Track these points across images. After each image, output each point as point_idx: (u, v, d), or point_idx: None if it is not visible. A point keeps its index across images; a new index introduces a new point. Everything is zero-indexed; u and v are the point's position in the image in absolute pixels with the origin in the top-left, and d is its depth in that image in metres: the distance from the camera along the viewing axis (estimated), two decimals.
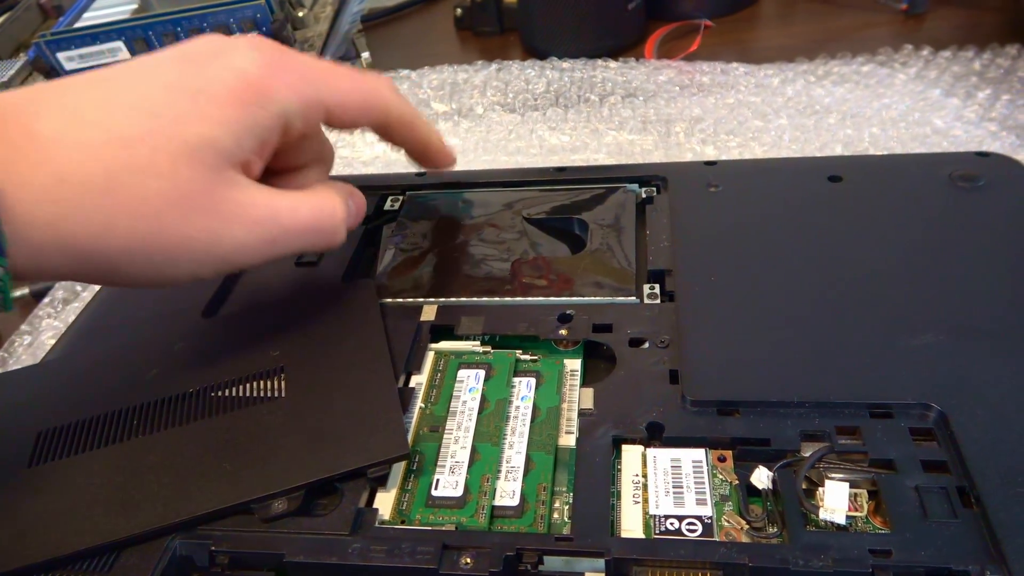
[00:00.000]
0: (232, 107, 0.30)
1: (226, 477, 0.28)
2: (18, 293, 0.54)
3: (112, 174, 0.28)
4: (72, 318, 0.43)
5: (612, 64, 0.58)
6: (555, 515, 0.28)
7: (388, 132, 0.37)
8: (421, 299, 0.37)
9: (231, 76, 0.30)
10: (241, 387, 0.32)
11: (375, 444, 0.29)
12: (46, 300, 0.51)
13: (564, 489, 0.29)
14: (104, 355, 0.37)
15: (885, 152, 0.48)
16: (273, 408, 0.31)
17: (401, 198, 0.45)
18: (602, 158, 0.52)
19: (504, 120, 0.56)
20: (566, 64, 0.58)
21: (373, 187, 0.46)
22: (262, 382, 0.32)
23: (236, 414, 0.31)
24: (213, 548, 0.27)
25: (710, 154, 0.50)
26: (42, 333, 0.47)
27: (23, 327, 0.49)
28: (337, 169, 0.55)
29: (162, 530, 0.27)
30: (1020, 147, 0.48)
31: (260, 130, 0.30)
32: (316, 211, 0.33)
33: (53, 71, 0.62)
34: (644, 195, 0.43)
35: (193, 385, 0.33)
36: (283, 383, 0.32)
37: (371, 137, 0.57)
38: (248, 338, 0.35)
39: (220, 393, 0.32)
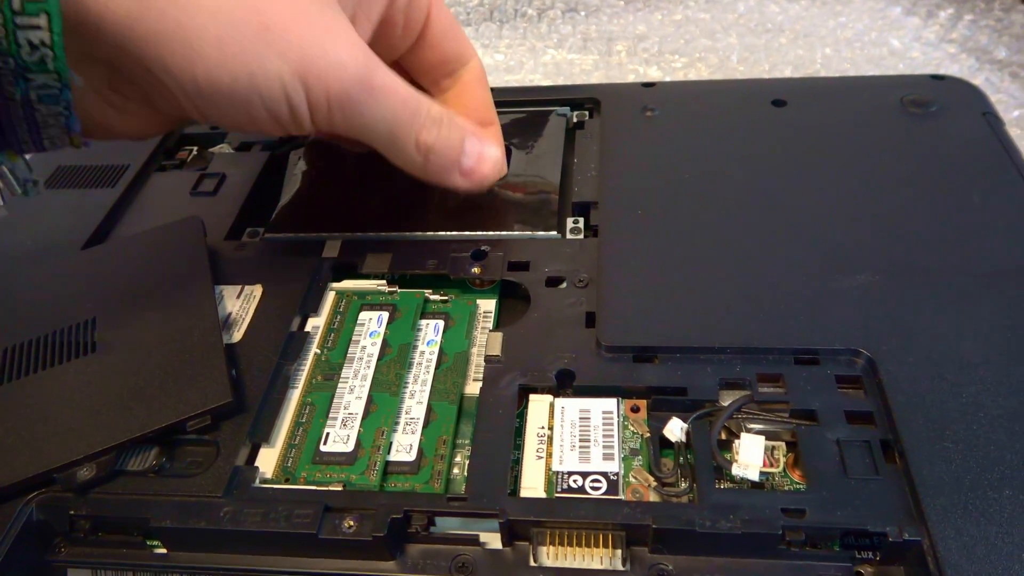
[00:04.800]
0: None
1: (23, 446, 0.25)
2: None
3: None
4: None
5: None
6: (455, 471, 0.25)
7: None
8: (324, 234, 0.34)
9: None
10: (46, 345, 0.29)
11: (193, 395, 0.26)
12: None
13: (467, 442, 0.26)
14: None
15: (837, 75, 0.45)
16: (82, 365, 0.28)
17: None
18: (539, 79, 0.48)
19: None
20: None
21: None
22: (71, 338, 0.29)
23: (39, 376, 0.28)
24: (72, 512, 0.24)
25: (653, 75, 0.46)
26: None
27: None
28: None
29: None
30: (978, 71, 0.45)
31: None
32: (414, 100, 0.28)
33: None
34: (576, 119, 0.39)
35: None
36: (95, 337, 0.29)
37: None
38: (62, 287, 0.32)
39: (21, 354, 0.29)
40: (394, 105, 0.27)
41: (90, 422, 0.26)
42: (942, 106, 0.36)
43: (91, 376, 0.27)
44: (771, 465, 0.24)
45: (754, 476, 0.23)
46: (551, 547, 0.23)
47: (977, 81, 0.40)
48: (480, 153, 0.30)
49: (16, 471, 0.25)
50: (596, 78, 0.47)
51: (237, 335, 0.29)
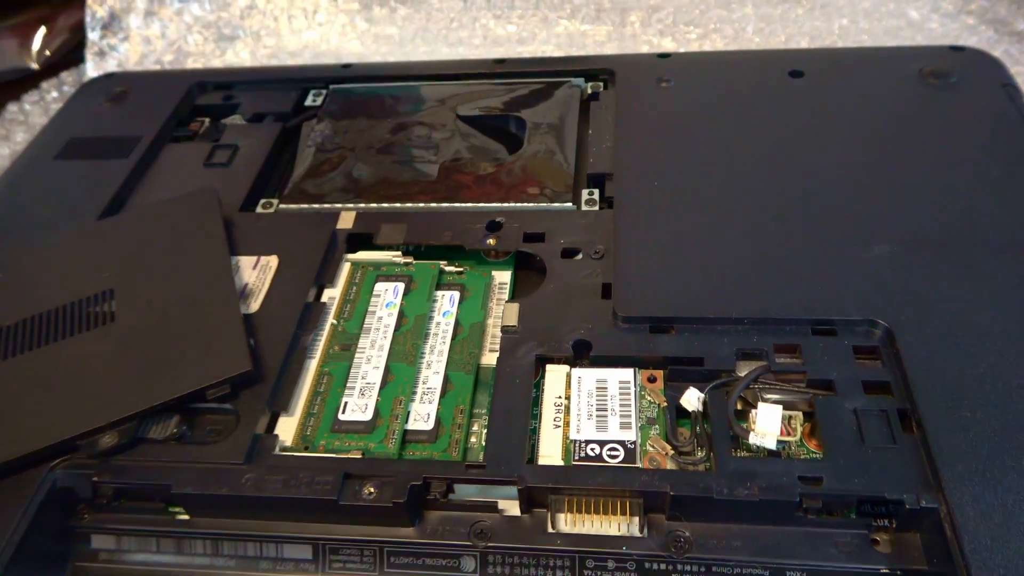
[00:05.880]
0: None
1: (46, 414, 0.26)
2: None
3: None
4: None
5: None
6: (472, 439, 0.26)
7: None
8: (339, 205, 0.34)
9: None
10: (65, 316, 0.29)
11: (213, 363, 0.26)
12: None
13: (484, 412, 0.26)
14: None
15: (854, 46, 0.44)
16: (101, 335, 0.28)
17: (324, 92, 0.41)
18: (551, 50, 0.47)
19: (445, 7, 0.51)
20: None
21: (293, 79, 0.42)
22: (89, 309, 0.29)
23: (59, 345, 0.28)
24: (96, 479, 0.25)
25: (668, 46, 0.46)
26: None
27: None
28: (262, 60, 0.50)
29: None
30: (998, 42, 0.45)
31: None
32: None
33: None
34: (590, 91, 0.39)
35: (10, 318, 0.29)
36: (113, 307, 0.29)
37: (298, 25, 0.51)
38: (81, 258, 0.32)
39: (41, 324, 0.29)
40: None
41: (111, 390, 0.26)
42: (961, 77, 0.36)
43: (111, 345, 0.28)
44: (788, 434, 0.24)
45: (772, 445, 0.23)
46: (568, 514, 0.23)
47: (996, 53, 0.39)
48: None
49: (39, 438, 0.25)
50: (609, 49, 0.46)
51: (254, 305, 0.29)
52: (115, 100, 0.42)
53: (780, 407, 0.23)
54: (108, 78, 0.45)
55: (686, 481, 0.22)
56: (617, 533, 0.23)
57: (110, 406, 0.25)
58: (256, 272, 0.31)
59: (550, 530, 0.23)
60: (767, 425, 0.23)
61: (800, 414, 0.25)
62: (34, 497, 0.24)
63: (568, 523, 0.23)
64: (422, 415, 0.26)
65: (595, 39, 0.47)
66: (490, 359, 0.28)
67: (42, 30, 0.54)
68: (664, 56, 0.39)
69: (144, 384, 0.26)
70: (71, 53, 0.55)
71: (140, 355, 0.27)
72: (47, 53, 0.54)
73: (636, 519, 0.23)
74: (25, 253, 0.33)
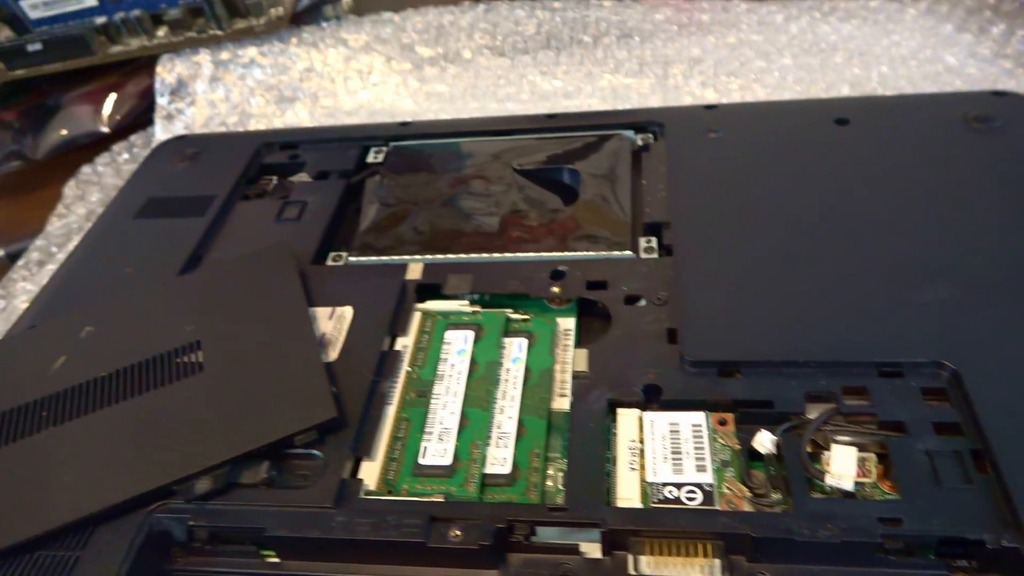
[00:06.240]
0: None
1: (144, 461, 0.27)
2: None
3: None
4: (46, 280, 0.41)
5: (606, 3, 0.55)
6: (548, 483, 0.27)
7: None
8: (406, 256, 0.35)
9: None
10: (156, 366, 0.31)
11: (299, 410, 0.27)
12: (20, 262, 0.49)
13: (558, 455, 0.27)
14: (17, 342, 0.35)
15: (895, 92, 0.45)
16: (191, 385, 0.30)
17: (385, 149, 0.43)
18: (596, 103, 0.49)
19: (493, 65, 0.53)
20: (557, 3, 0.55)
21: (355, 138, 0.44)
22: (178, 359, 0.31)
23: (152, 395, 0.29)
24: (192, 523, 0.26)
25: (710, 97, 0.48)
26: (15, 297, 0.45)
27: None
28: (318, 120, 0.53)
29: (83, 521, 0.26)
30: None
31: None
32: None
33: (17, 20, 0.58)
34: (640, 142, 0.40)
35: (105, 368, 0.31)
36: (200, 358, 0.30)
37: (354, 86, 0.54)
38: (166, 312, 0.34)
39: (134, 375, 0.30)
40: None
41: (204, 437, 0.27)
42: (1005, 122, 0.37)
43: (201, 394, 0.29)
44: (863, 475, 0.25)
45: (849, 486, 0.24)
46: (650, 557, 0.24)
47: None
48: None
49: (140, 483, 0.26)
50: (653, 101, 0.48)
51: (332, 354, 0.31)
52: (188, 160, 0.44)
53: (855, 448, 0.24)
54: (180, 140, 0.48)
55: (767, 523, 0.23)
56: (699, 575, 0.23)
57: (204, 452, 0.27)
58: (332, 322, 0.32)
59: (631, 572, 0.24)
60: (843, 467, 0.24)
61: (873, 456, 0.25)
62: (134, 540, 0.26)
63: (650, 565, 0.24)
64: (499, 459, 0.27)
65: (639, 91, 0.49)
66: (560, 403, 0.29)
67: (112, 96, 0.58)
68: (711, 108, 0.41)
69: (235, 431, 0.27)
70: (139, 117, 0.58)
71: (229, 403, 0.29)
72: (117, 117, 0.57)
73: (718, 561, 0.23)
74: (113, 306, 0.35)
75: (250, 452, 0.27)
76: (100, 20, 0.55)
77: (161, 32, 0.55)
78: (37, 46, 0.55)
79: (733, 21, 0.52)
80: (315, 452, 0.27)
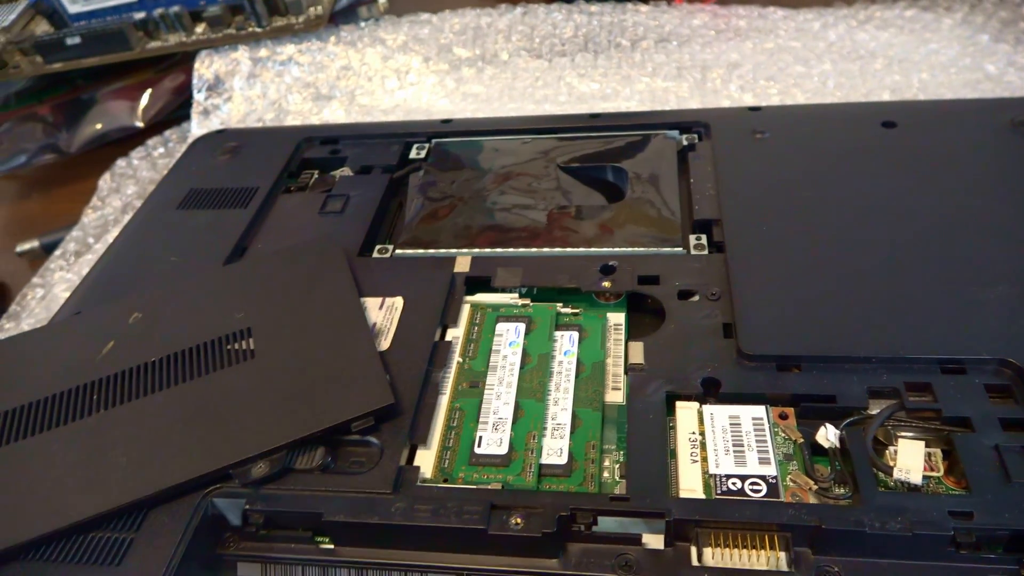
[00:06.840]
0: None
1: (199, 444, 0.27)
2: (27, 246, 0.52)
3: None
4: (85, 270, 0.42)
5: (643, 8, 0.55)
6: (605, 474, 0.26)
7: None
8: (454, 250, 0.35)
9: None
10: (207, 352, 0.31)
11: (355, 397, 0.27)
12: (57, 252, 0.49)
13: (613, 447, 0.27)
14: (64, 327, 0.35)
15: (936, 99, 0.45)
16: (244, 371, 0.29)
17: (427, 146, 0.43)
18: (635, 106, 0.49)
19: (530, 66, 0.53)
20: (595, 7, 0.55)
21: (397, 134, 0.44)
22: (229, 346, 0.31)
23: (204, 380, 0.29)
24: (247, 507, 0.26)
25: (749, 101, 0.48)
26: (55, 286, 0.46)
27: (35, 280, 0.47)
28: (356, 117, 0.53)
29: (138, 503, 0.26)
30: None
31: None
32: None
33: (56, 14, 0.59)
34: (685, 142, 0.40)
35: (155, 353, 0.31)
36: (251, 345, 0.30)
37: (390, 85, 0.54)
38: (215, 299, 0.34)
39: (184, 360, 0.30)
40: None
41: (260, 422, 0.27)
42: None
43: (254, 380, 0.29)
44: (930, 470, 0.24)
45: (917, 480, 0.23)
46: (715, 548, 0.23)
47: None
48: None
49: (196, 466, 0.26)
50: (692, 104, 0.48)
51: (384, 343, 0.31)
52: (229, 154, 0.45)
53: (923, 443, 0.24)
54: (219, 134, 0.48)
55: (836, 516, 0.23)
56: (764, 567, 0.23)
57: (260, 436, 0.27)
58: (383, 312, 0.32)
59: (695, 563, 0.23)
60: (910, 461, 0.24)
61: (939, 451, 0.25)
62: (189, 523, 0.25)
63: (714, 557, 0.23)
64: (555, 450, 0.27)
65: (677, 94, 0.49)
66: (613, 396, 0.29)
67: (148, 92, 0.58)
68: (755, 109, 0.41)
69: (291, 416, 0.27)
70: (174, 112, 0.59)
71: (283, 389, 0.28)
72: (152, 112, 0.58)
73: (784, 554, 0.23)
74: (160, 294, 0.35)
75: (306, 437, 0.27)
76: (139, 16, 0.56)
77: (200, 28, 0.56)
78: (75, 40, 0.56)
79: (770, 27, 0.53)
80: (371, 439, 0.27)
